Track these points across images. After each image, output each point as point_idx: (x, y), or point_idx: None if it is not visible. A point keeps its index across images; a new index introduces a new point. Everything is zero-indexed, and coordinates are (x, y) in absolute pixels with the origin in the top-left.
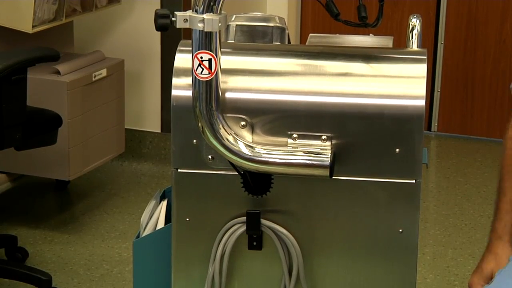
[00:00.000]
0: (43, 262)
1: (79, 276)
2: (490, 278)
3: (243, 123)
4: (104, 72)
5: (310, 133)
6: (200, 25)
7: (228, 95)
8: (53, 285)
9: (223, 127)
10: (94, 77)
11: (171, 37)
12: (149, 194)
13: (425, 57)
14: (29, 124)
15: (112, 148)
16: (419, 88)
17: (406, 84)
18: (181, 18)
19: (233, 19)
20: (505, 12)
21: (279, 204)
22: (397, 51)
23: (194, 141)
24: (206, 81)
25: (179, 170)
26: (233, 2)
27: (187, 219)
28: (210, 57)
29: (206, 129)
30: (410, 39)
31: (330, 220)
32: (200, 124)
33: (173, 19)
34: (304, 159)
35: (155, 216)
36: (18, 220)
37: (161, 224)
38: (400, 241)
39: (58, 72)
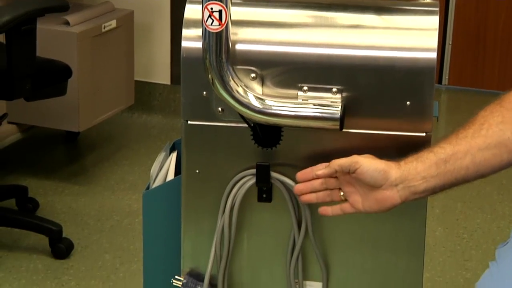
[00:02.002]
0: (53, 213)
1: (90, 227)
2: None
3: (253, 75)
4: (113, 23)
5: (320, 86)
6: None
7: (238, 47)
8: (63, 236)
9: (233, 79)
10: (104, 28)
11: None
12: (158, 146)
13: (437, 9)
14: (38, 75)
15: (122, 100)
16: (431, 40)
17: (418, 36)
18: None
19: None
20: None
21: (288, 157)
22: (409, 3)
23: (204, 93)
24: (216, 32)
25: (189, 122)
26: None
27: (197, 171)
28: (221, 8)
29: (216, 81)
30: None
31: None
32: (210, 76)
33: None
34: (314, 112)
35: (164, 168)
36: (29, 171)
37: (171, 176)
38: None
39: (67, 23)
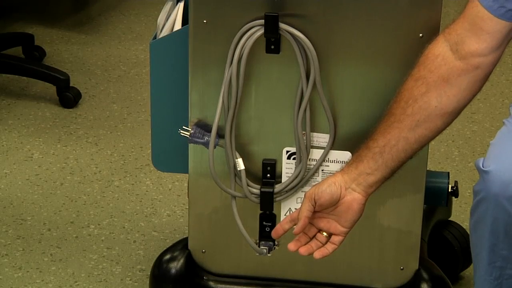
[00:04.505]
0: (60, 62)
1: (97, 77)
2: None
3: None
4: None
5: None
6: None
7: None
8: (71, 85)
9: None
10: None
11: None
12: None
13: None
14: None
15: None
16: None
17: None
18: None
19: None
20: None
21: (298, 8)
22: None
23: None
24: None
25: None
26: None
27: (204, 21)
28: None
29: None
30: None
31: (349, 26)
32: None
33: None
34: None
35: (172, 18)
36: (34, 19)
37: (178, 25)
38: (420, 46)
39: None
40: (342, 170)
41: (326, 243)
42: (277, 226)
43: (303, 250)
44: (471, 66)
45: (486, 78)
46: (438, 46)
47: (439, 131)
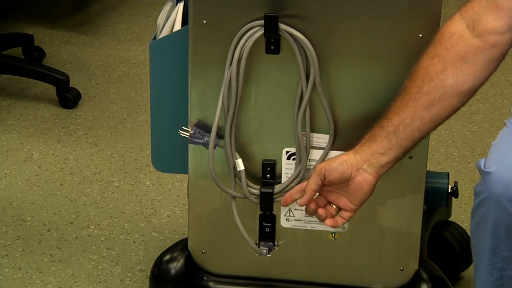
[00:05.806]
0: (60, 62)
1: (97, 77)
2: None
3: None
4: None
5: None
6: None
7: None
8: (70, 85)
9: None
10: None
11: None
12: None
13: None
14: None
15: None
16: None
17: None
18: None
19: None
20: None
21: (298, 8)
22: None
23: None
24: None
25: None
26: None
27: (204, 22)
28: None
29: None
30: None
31: (349, 26)
32: None
33: None
34: None
35: (171, 18)
36: (33, 19)
37: (178, 26)
38: (419, 46)
39: None
40: (354, 149)
41: (335, 215)
42: (287, 195)
43: (322, 212)
44: (487, 44)
45: (502, 57)
46: (454, 24)
47: (454, 110)
